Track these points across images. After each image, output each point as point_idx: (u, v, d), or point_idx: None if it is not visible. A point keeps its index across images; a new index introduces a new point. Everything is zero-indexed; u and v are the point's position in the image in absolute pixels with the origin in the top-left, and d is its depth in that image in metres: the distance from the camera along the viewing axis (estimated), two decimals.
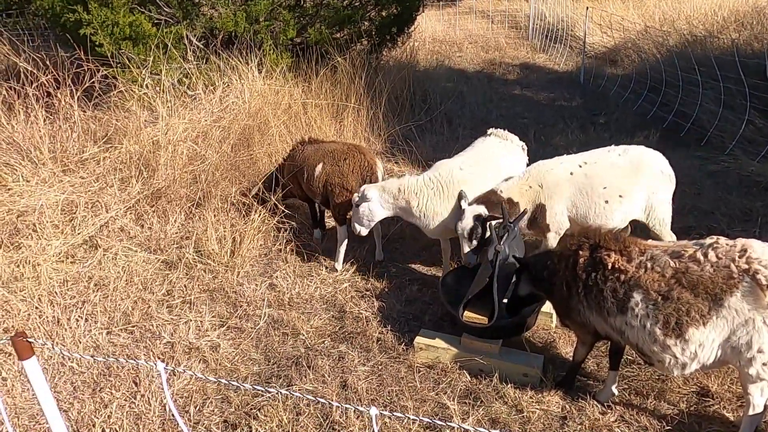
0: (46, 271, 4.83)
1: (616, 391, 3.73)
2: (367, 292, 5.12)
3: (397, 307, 4.88)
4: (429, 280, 5.30)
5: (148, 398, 3.85)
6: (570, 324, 3.76)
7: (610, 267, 3.30)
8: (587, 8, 13.01)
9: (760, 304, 2.89)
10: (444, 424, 2.64)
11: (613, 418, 3.58)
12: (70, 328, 4.49)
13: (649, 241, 3.47)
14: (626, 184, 4.49)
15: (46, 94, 6.35)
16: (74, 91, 6.30)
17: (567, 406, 3.71)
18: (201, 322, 4.67)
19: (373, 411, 1.88)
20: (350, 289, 5.19)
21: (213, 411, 3.79)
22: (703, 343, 3.02)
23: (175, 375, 4.04)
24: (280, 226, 5.86)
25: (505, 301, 4.12)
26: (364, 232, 5.04)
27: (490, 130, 5.48)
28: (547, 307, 4.26)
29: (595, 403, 3.69)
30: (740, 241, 3.05)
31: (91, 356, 2.66)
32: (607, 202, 4.47)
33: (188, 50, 7.62)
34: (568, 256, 3.54)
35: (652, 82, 9.97)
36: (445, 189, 4.78)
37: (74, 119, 6.28)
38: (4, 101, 6.40)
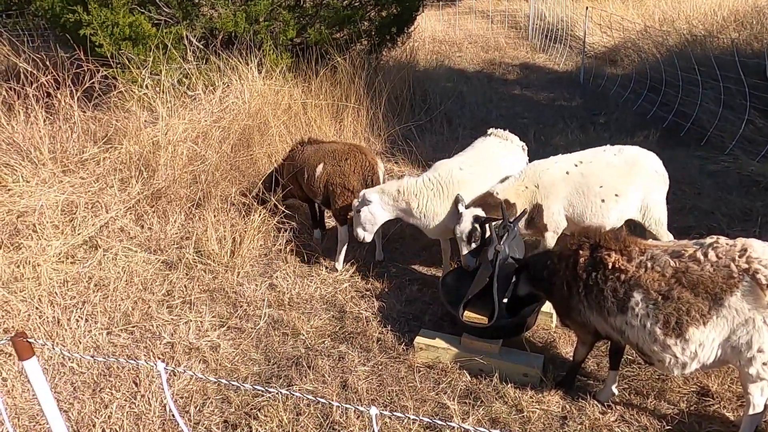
0: (46, 271, 4.83)
1: (616, 391, 3.73)
2: (367, 292, 5.12)
3: (397, 307, 4.88)
4: (429, 280, 5.30)
5: (149, 398, 3.85)
6: (570, 324, 3.76)
7: (610, 266, 3.30)
8: (587, 8, 13.01)
9: (760, 303, 2.89)
10: (444, 423, 2.65)
11: (613, 417, 3.58)
12: (70, 328, 4.49)
13: (649, 241, 3.47)
14: (622, 184, 4.51)
15: (46, 94, 6.35)
16: (74, 91, 6.30)
17: (567, 406, 3.71)
18: (201, 322, 4.67)
19: (373, 411, 1.88)
20: (350, 289, 5.19)
21: (213, 411, 3.79)
22: (703, 342, 3.02)
23: (175, 375, 4.04)
24: (280, 226, 5.86)
25: (505, 300, 4.12)
26: (368, 237, 5.00)
27: (490, 130, 5.48)
28: (547, 306, 4.26)
29: (596, 402, 3.69)
30: (740, 241, 3.05)
31: (92, 356, 2.66)
32: (603, 200, 4.48)
33: (188, 50, 7.62)
34: (568, 255, 3.54)
35: (652, 81, 9.97)
36: (444, 189, 4.77)
37: (74, 120, 6.28)
38: (4, 102, 6.40)
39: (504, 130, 5.47)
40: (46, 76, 6.24)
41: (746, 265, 2.93)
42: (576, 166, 4.57)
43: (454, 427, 3.44)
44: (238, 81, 7.53)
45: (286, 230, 5.87)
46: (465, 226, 4.42)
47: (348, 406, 2.17)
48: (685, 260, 3.09)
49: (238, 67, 7.65)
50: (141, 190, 5.78)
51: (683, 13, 13.15)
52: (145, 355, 4.35)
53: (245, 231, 5.54)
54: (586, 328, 3.59)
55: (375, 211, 4.88)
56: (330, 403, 3.39)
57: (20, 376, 4.03)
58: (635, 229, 4.82)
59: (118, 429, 3.66)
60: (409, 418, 2.20)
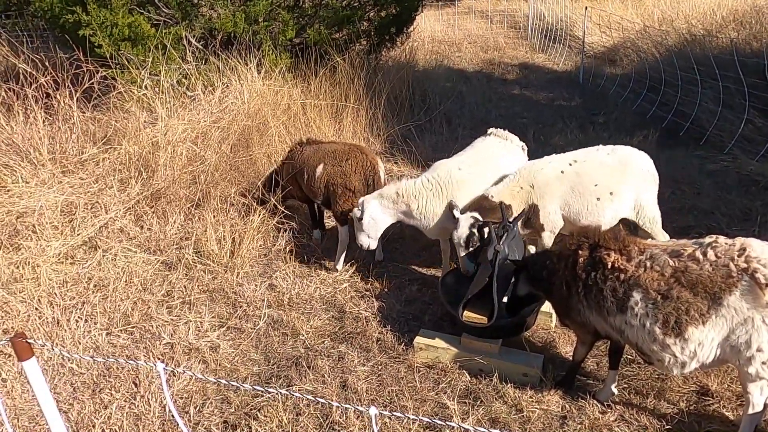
0: (46, 272, 4.83)
1: (615, 391, 3.73)
2: (367, 292, 5.12)
3: (397, 307, 4.88)
4: (428, 280, 5.30)
5: (148, 399, 3.85)
6: (570, 323, 3.76)
7: (609, 266, 3.30)
8: (586, 8, 13.01)
9: (759, 302, 2.89)
10: (444, 423, 2.65)
11: (612, 417, 3.58)
12: (70, 329, 4.49)
13: (649, 240, 3.48)
14: (615, 183, 4.55)
15: (45, 95, 6.34)
16: (73, 92, 6.29)
17: (567, 406, 3.71)
18: (201, 322, 4.67)
19: (373, 411, 1.88)
20: (350, 289, 5.19)
21: (213, 411, 3.79)
22: (703, 342, 3.02)
23: (174, 376, 4.04)
24: (280, 226, 5.86)
25: (505, 300, 4.12)
26: (373, 244, 4.99)
27: (490, 130, 5.48)
28: (547, 306, 4.26)
29: (595, 402, 3.69)
30: (739, 240, 3.05)
31: (91, 357, 2.66)
32: (598, 199, 4.51)
33: (187, 51, 7.62)
34: (568, 255, 3.54)
35: (651, 81, 9.97)
36: (444, 190, 4.78)
37: (73, 120, 6.27)
38: (3, 102, 6.40)
39: (503, 130, 5.47)
40: (46, 76, 6.24)
41: (745, 265, 2.93)
42: (570, 165, 4.59)
43: (453, 427, 3.44)
44: (237, 81, 7.53)
45: (285, 231, 5.87)
46: (462, 231, 4.43)
47: (348, 406, 2.17)
48: (684, 260, 3.10)
49: (238, 68, 7.65)
50: (140, 190, 5.77)
51: (682, 13, 13.16)
52: (144, 355, 4.35)
53: (245, 231, 5.53)
54: (585, 327, 3.59)
55: (377, 217, 4.88)
56: (330, 403, 3.39)
57: (20, 376, 4.03)
58: (635, 229, 4.82)
59: (117, 429, 3.66)
60: (408, 418, 2.20)
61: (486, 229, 4.32)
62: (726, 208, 6.09)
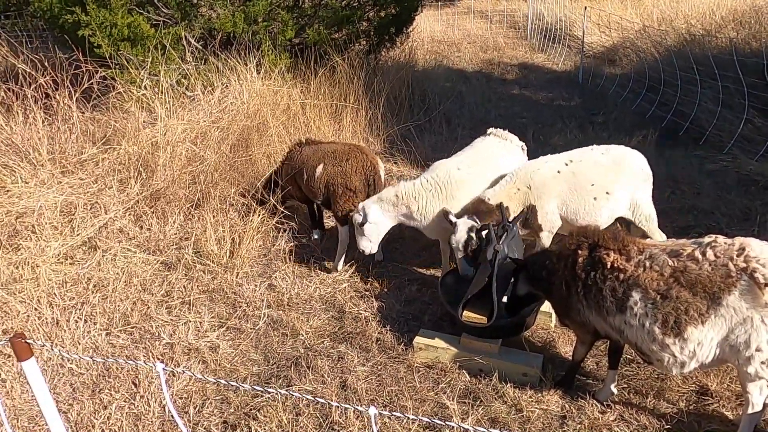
0: (45, 272, 4.83)
1: (615, 390, 3.73)
2: (367, 293, 5.12)
3: (397, 307, 4.88)
4: (428, 280, 5.30)
5: (148, 399, 3.85)
6: (569, 323, 3.76)
7: (609, 266, 3.30)
8: (585, 8, 13.02)
9: (758, 302, 2.89)
10: (443, 423, 2.65)
11: (612, 417, 3.58)
12: (69, 329, 4.49)
13: (648, 240, 3.48)
14: (611, 182, 4.57)
15: (44, 95, 6.34)
16: (73, 92, 6.29)
17: (566, 406, 3.71)
18: (200, 322, 4.67)
19: (372, 411, 1.88)
20: (349, 289, 5.19)
21: (212, 412, 3.79)
22: (702, 341, 3.03)
23: (174, 376, 4.04)
24: (279, 226, 5.86)
25: (505, 299, 4.12)
26: (374, 249, 4.99)
27: (489, 130, 5.48)
28: (547, 306, 4.26)
29: (595, 402, 3.69)
30: (738, 240, 3.05)
31: (90, 357, 2.66)
32: (595, 198, 4.53)
33: (187, 51, 7.62)
34: (567, 255, 3.54)
35: (651, 81, 9.98)
36: (443, 190, 4.77)
37: (73, 120, 6.27)
38: (2, 103, 6.39)
39: (503, 129, 5.47)
40: (45, 77, 6.24)
41: (744, 264, 2.93)
42: (566, 165, 4.61)
43: (453, 427, 3.44)
44: (236, 81, 7.53)
45: (285, 231, 5.87)
46: (461, 236, 4.43)
47: (347, 406, 2.17)
48: (684, 259, 3.10)
49: (237, 68, 7.65)
50: (140, 190, 5.77)
51: (681, 13, 13.17)
52: (144, 355, 4.35)
53: (244, 231, 5.53)
54: (585, 327, 3.59)
55: (378, 221, 4.88)
56: (329, 403, 3.39)
57: (19, 377, 4.03)
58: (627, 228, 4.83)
59: (117, 430, 3.66)
60: (408, 417, 2.20)
61: (484, 233, 4.31)
62: (725, 208, 6.09)
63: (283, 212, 5.81)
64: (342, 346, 4.40)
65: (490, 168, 4.99)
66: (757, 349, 2.93)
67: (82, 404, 3.86)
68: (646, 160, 4.76)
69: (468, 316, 4.28)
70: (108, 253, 5.21)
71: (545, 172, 4.58)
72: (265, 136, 7.09)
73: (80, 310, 4.65)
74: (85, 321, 4.57)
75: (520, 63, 14.16)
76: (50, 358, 4.22)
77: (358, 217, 4.87)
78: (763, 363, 2.95)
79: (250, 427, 3.63)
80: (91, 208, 5.55)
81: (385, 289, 5.17)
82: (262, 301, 4.94)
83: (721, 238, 3.11)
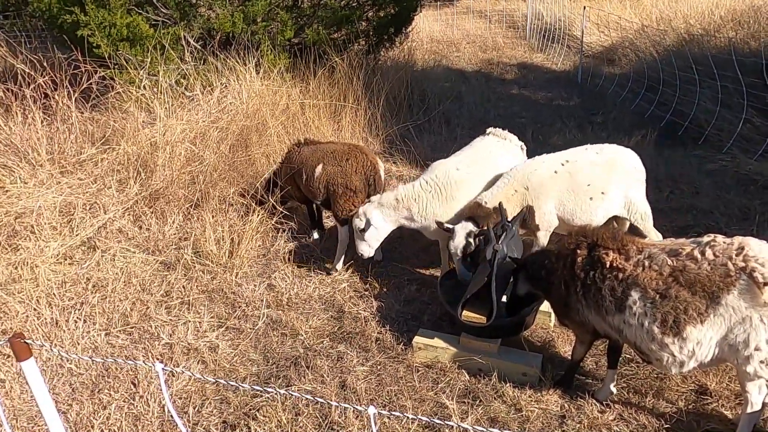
0: (44, 272, 4.82)
1: (614, 390, 3.73)
2: (366, 292, 5.12)
3: (396, 306, 4.88)
4: (427, 280, 5.30)
5: (147, 399, 3.85)
6: (568, 323, 3.76)
7: (608, 265, 3.30)
8: (584, 8, 13.02)
9: (757, 301, 2.89)
10: (443, 423, 2.65)
11: (611, 416, 3.58)
12: (69, 329, 4.48)
13: (647, 240, 3.48)
14: (606, 182, 4.59)
15: (43, 95, 6.34)
16: (72, 92, 6.29)
17: (566, 405, 3.71)
18: (199, 322, 4.67)
19: (372, 410, 1.88)
20: (349, 289, 5.19)
21: (212, 412, 3.79)
22: (701, 341, 3.03)
23: (173, 376, 4.04)
24: (279, 227, 5.85)
25: (504, 299, 4.12)
26: (371, 253, 4.99)
27: (488, 130, 5.48)
28: (546, 306, 4.26)
29: (594, 401, 3.69)
30: (737, 239, 3.05)
31: (90, 357, 2.66)
32: (591, 198, 4.55)
33: (186, 51, 7.62)
34: (566, 255, 3.54)
35: (650, 81, 9.98)
36: (443, 190, 4.77)
37: (72, 121, 6.27)
38: (1, 103, 6.39)
39: (502, 129, 5.47)
40: (44, 77, 6.23)
41: (743, 264, 2.93)
42: (563, 165, 4.61)
43: (452, 427, 3.44)
44: (235, 81, 7.53)
45: (284, 231, 5.87)
46: (459, 241, 4.43)
47: (347, 405, 2.17)
48: (683, 259, 3.10)
49: (236, 68, 7.65)
50: (139, 190, 5.77)
51: (680, 13, 13.18)
52: (143, 355, 4.35)
53: (243, 231, 5.53)
54: (584, 327, 3.59)
55: (379, 226, 4.87)
56: (329, 403, 3.39)
57: (18, 377, 4.03)
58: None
59: (116, 430, 3.66)
60: (407, 417, 2.20)
61: (482, 238, 4.30)
62: (724, 208, 6.10)
63: (282, 212, 5.80)
64: (341, 346, 4.40)
65: (489, 168, 4.99)
66: (756, 348, 2.93)
67: (81, 404, 3.86)
68: (639, 159, 4.79)
69: (467, 315, 4.28)
70: (107, 253, 5.21)
71: (542, 173, 4.59)
72: (264, 136, 7.09)
73: (79, 310, 4.64)
74: (85, 321, 4.57)
75: (519, 63, 14.17)
76: (49, 359, 4.22)
77: (359, 223, 4.86)
78: (762, 362, 2.95)
79: (249, 427, 3.62)
80: (90, 209, 5.54)
81: (385, 289, 5.17)
82: (262, 301, 4.94)
83: (720, 238, 3.11)
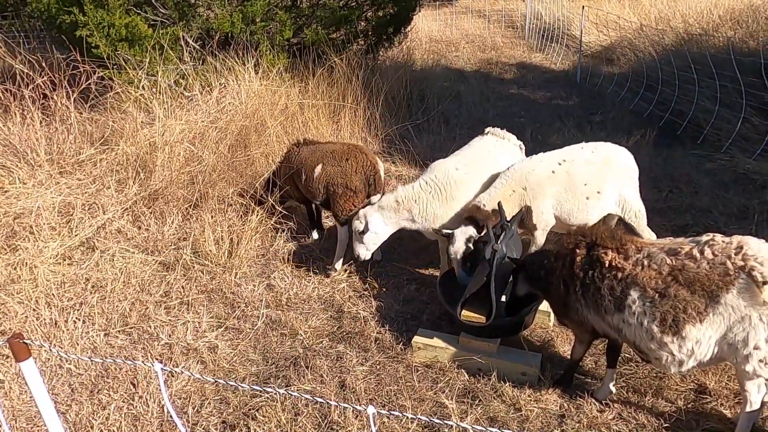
0: (43, 273, 4.82)
1: (613, 389, 3.73)
2: (365, 292, 5.12)
3: (395, 306, 4.88)
4: (427, 280, 5.30)
5: (146, 399, 3.85)
6: (568, 322, 3.77)
7: (607, 265, 3.30)
8: (583, 7, 13.03)
9: (756, 300, 2.90)
10: (442, 422, 2.65)
11: (611, 415, 3.58)
12: (68, 329, 4.48)
13: (646, 239, 3.48)
14: (601, 180, 4.61)
15: (42, 96, 6.33)
16: (70, 92, 6.28)
17: (565, 405, 3.71)
18: (199, 323, 4.67)
19: (371, 410, 1.88)
20: (348, 289, 5.19)
21: (211, 412, 3.79)
22: (700, 340, 3.03)
23: (173, 376, 4.04)
24: (278, 227, 5.85)
25: (504, 299, 4.12)
26: (369, 256, 4.96)
27: (487, 129, 5.48)
28: (545, 305, 4.26)
29: (593, 401, 3.69)
30: (736, 238, 3.06)
31: (89, 358, 2.65)
32: (588, 198, 4.55)
33: (184, 51, 7.61)
34: (565, 254, 3.54)
35: (649, 80, 9.99)
36: (443, 191, 4.77)
37: (71, 121, 6.26)
38: (0, 103, 6.38)
39: (501, 129, 5.47)
40: (43, 77, 6.22)
41: (742, 263, 2.93)
42: (560, 165, 4.62)
43: (452, 426, 3.44)
44: (234, 81, 7.52)
45: (283, 231, 5.86)
46: (458, 246, 4.42)
47: (346, 405, 2.17)
48: (682, 258, 3.10)
49: (235, 68, 7.64)
50: (138, 191, 5.77)
51: (679, 12, 13.19)
52: (142, 356, 4.35)
53: (243, 232, 5.53)
54: (583, 326, 3.60)
55: (380, 230, 4.86)
56: (328, 402, 3.39)
57: (18, 377, 4.02)
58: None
59: (116, 430, 3.66)
60: (407, 417, 2.20)
61: (481, 244, 4.29)
62: (723, 207, 6.10)
63: (281, 212, 5.80)
64: (341, 345, 4.40)
65: (488, 167, 4.98)
66: (755, 347, 2.93)
67: (80, 405, 3.86)
68: (632, 157, 4.81)
69: (467, 315, 4.28)
70: (106, 253, 5.20)
71: (540, 173, 4.59)
72: (263, 136, 7.09)
73: (78, 310, 4.64)
74: (84, 321, 4.56)
75: (518, 62, 14.17)
76: (48, 359, 4.21)
77: (359, 225, 4.84)
78: (761, 361, 2.95)
79: (248, 427, 3.62)
80: (89, 209, 5.54)
81: (384, 289, 5.17)
82: (261, 301, 4.94)
83: (719, 237, 3.11)
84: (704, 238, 3.15)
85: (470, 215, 4.56)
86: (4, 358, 4.17)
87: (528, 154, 5.53)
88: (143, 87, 6.83)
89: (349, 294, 5.11)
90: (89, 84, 6.46)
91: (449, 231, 4.50)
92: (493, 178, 4.81)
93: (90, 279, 4.93)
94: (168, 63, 7.41)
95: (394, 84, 9.51)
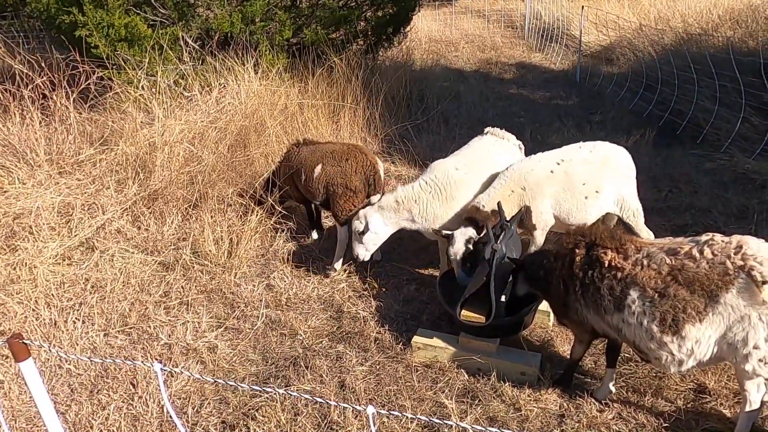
0: (43, 273, 4.82)
1: (613, 389, 3.73)
2: (365, 292, 5.12)
3: (395, 306, 4.88)
4: (426, 280, 5.30)
5: (146, 400, 3.85)
6: (567, 322, 3.77)
7: (606, 265, 3.30)
8: (583, 7, 13.04)
9: (755, 300, 2.90)
10: (442, 422, 2.64)
11: (610, 415, 3.59)
12: (67, 330, 4.48)
13: (645, 239, 3.48)
14: (599, 180, 4.62)
15: (41, 96, 6.33)
16: (70, 93, 6.28)
17: (565, 404, 3.71)
18: (198, 323, 4.66)
19: (371, 410, 1.88)
20: (348, 289, 5.19)
21: (211, 412, 3.79)
22: (700, 339, 3.03)
23: (172, 376, 4.04)
24: (277, 227, 5.85)
25: (503, 299, 4.12)
26: (368, 257, 4.95)
27: (486, 129, 5.48)
28: (545, 305, 4.26)
29: (593, 400, 3.69)
30: (735, 238, 3.06)
31: (88, 358, 2.65)
32: (586, 197, 4.56)
33: (184, 51, 7.61)
34: (565, 254, 3.55)
35: (648, 80, 9.99)
36: (443, 191, 4.76)
37: (70, 121, 6.26)
38: None
39: (501, 129, 5.47)
40: (42, 77, 6.22)
41: (741, 262, 2.93)
42: (558, 164, 4.62)
43: (451, 426, 3.44)
44: (234, 82, 7.52)
45: (283, 231, 5.86)
46: (458, 247, 4.42)
47: (346, 405, 2.17)
48: (681, 258, 3.10)
49: (235, 68, 7.64)
50: (137, 191, 5.77)
51: (678, 12, 13.19)
52: (142, 356, 4.35)
53: (242, 232, 5.53)
54: (583, 326, 3.60)
55: (380, 231, 4.86)
56: (328, 402, 3.39)
57: (17, 378, 4.02)
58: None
59: (115, 430, 3.66)
60: (407, 417, 2.20)
61: (481, 245, 4.29)
62: (723, 206, 6.10)
63: (280, 212, 5.80)
64: (340, 345, 4.40)
65: (488, 167, 4.98)
66: (755, 347, 2.93)
67: (80, 405, 3.86)
68: (630, 157, 4.82)
69: (466, 315, 4.28)
70: (106, 253, 5.20)
71: (539, 173, 4.59)
72: (262, 136, 7.09)
73: (78, 310, 4.64)
74: (83, 322, 4.56)
75: (517, 62, 14.18)
76: (48, 359, 4.21)
77: (359, 226, 4.83)
78: (760, 360, 2.96)
79: (248, 427, 3.62)
80: (88, 209, 5.54)
81: (384, 289, 5.17)
82: (261, 301, 4.94)
83: (718, 236, 3.11)
84: (704, 237, 3.15)
85: (469, 216, 4.56)
86: (4, 358, 4.17)
87: (527, 153, 5.53)
88: (143, 87, 6.83)
89: (349, 294, 5.11)
90: (89, 84, 6.46)
91: (449, 232, 4.50)
92: (493, 178, 4.81)
93: (89, 279, 4.93)
94: (167, 63, 7.41)
95: (393, 84, 9.51)
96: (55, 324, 4.52)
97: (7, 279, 4.75)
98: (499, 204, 4.38)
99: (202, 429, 3.67)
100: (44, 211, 5.26)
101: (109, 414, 3.75)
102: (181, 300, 4.90)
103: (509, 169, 4.69)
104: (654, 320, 3.11)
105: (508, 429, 3.54)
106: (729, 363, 3.26)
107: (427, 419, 2.07)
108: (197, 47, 8.01)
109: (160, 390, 3.82)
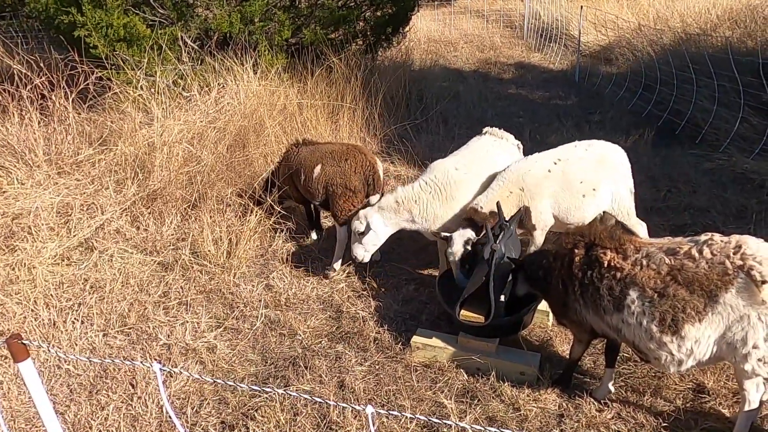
0: (42, 273, 4.82)
1: (612, 389, 3.73)
2: (364, 292, 5.12)
3: (394, 306, 4.88)
4: (426, 280, 5.30)
5: (145, 400, 3.84)
6: (566, 322, 3.77)
7: (606, 265, 3.31)
8: (582, 7, 13.04)
9: (754, 300, 2.90)
10: (441, 422, 2.65)
11: (609, 415, 3.59)
12: (66, 330, 4.48)
13: (644, 239, 3.48)
14: (596, 178, 4.63)
15: (40, 96, 6.32)
16: (69, 93, 6.28)
17: (564, 404, 3.71)
18: (197, 323, 4.66)
19: (370, 410, 1.88)
20: (347, 289, 5.19)
21: (210, 412, 3.79)
22: (699, 339, 3.03)
23: (171, 376, 4.03)
24: (277, 227, 5.85)
25: (503, 299, 4.12)
26: (368, 257, 4.94)
27: (485, 129, 5.48)
28: (544, 305, 4.26)
29: (592, 400, 3.70)
30: (735, 238, 3.06)
31: (88, 358, 2.65)
32: (584, 196, 4.57)
33: (183, 51, 7.61)
34: (564, 254, 3.55)
35: (647, 80, 10.00)
36: (443, 191, 4.76)
37: (69, 121, 6.26)
38: None
39: (500, 129, 5.47)
40: (41, 77, 6.22)
41: (741, 262, 2.94)
42: (555, 164, 4.63)
43: (451, 426, 3.44)
44: (233, 82, 7.52)
45: (282, 231, 5.86)
46: (457, 248, 4.41)
47: (345, 405, 2.17)
48: (680, 257, 3.10)
49: (234, 68, 7.64)
50: (136, 191, 5.76)
51: (677, 12, 13.20)
52: (141, 356, 4.34)
53: (241, 232, 5.53)
54: (582, 326, 3.60)
55: (380, 231, 4.85)
56: (327, 402, 3.39)
57: (16, 378, 4.02)
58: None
59: (114, 431, 3.66)
60: (406, 417, 2.20)
61: (480, 246, 4.29)
62: (721, 206, 6.11)
63: (280, 212, 5.80)
64: (339, 345, 4.40)
65: (487, 167, 4.98)
66: (754, 347, 2.93)
67: (79, 405, 3.85)
68: (626, 155, 4.84)
69: (465, 315, 4.28)
70: (105, 254, 5.20)
71: (537, 173, 4.59)
72: (261, 136, 7.08)
73: (77, 311, 4.64)
74: (82, 322, 4.56)
75: (516, 62, 14.18)
76: (47, 360, 4.21)
77: (359, 226, 4.82)
78: (759, 360, 2.96)
79: (247, 427, 3.62)
80: (87, 209, 5.53)
81: (383, 289, 5.17)
82: (260, 301, 4.94)
83: (717, 236, 3.12)
84: (703, 237, 3.15)
85: (468, 217, 4.56)
86: (3, 358, 4.17)
87: (526, 153, 5.54)
88: (141, 87, 6.83)
89: (348, 294, 5.11)
90: (87, 84, 6.45)
91: (447, 234, 4.50)
92: (492, 178, 4.81)
93: (88, 279, 4.93)
94: (166, 63, 7.40)
95: (392, 84, 9.51)
96: (54, 324, 4.52)
97: (6, 279, 4.74)
98: (498, 204, 4.38)
99: (202, 429, 3.66)
100: (43, 212, 5.25)
101: (108, 414, 3.75)
102: (180, 300, 4.90)
103: (506, 171, 4.68)
104: (653, 320, 3.11)
105: (508, 429, 3.54)
106: (728, 363, 3.26)
107: (426, 419, 2.07)
108: (196, 47, 8.00)
109: (159, 390, 3.82)
